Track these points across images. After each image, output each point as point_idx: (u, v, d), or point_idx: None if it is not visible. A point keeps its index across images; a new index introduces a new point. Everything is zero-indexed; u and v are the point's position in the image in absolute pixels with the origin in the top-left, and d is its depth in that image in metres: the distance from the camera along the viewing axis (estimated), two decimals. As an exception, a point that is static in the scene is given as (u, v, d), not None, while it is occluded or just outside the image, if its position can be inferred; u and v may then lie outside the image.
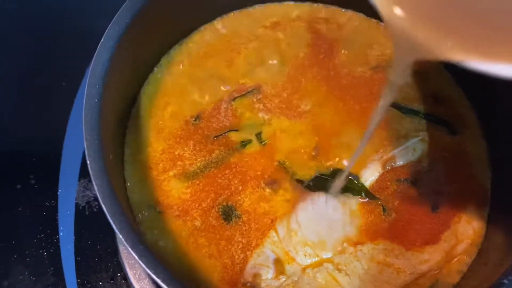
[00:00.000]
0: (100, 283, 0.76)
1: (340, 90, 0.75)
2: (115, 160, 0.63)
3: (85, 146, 0.52)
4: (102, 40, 0.61)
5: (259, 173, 0.68)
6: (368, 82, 0.76)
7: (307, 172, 0.68)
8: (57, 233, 0.79)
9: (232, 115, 0.72)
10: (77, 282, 0.76)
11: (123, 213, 0.51)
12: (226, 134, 0.71)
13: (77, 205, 0.81)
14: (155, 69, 0.76)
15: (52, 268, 0.76)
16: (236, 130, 0.71)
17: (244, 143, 0.70)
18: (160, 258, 0.60)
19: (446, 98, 0.76)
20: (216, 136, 0.71)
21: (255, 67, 0.77)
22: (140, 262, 0.48)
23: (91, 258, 0.77)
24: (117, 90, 0.64)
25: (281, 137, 0.71)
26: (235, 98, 0.74)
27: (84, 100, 0.55)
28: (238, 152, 0.69)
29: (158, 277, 0.48)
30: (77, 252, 0.77)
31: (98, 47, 0.60)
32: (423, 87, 0.76)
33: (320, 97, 0.74)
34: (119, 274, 0.76)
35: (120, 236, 0.49)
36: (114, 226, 0.50)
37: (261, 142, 0.70)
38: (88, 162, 0.52)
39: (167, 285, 0.48)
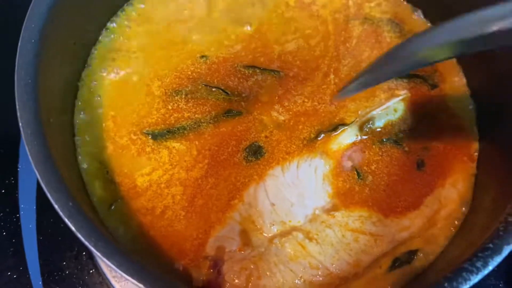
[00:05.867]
0: (64, 262, 0.71)
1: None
2: (60, 125, 0.56)
3: (17, 107, 0.47)
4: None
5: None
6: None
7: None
8: (18, 212, 0.73)
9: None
10: (40, 263, 0.71)
11: (60, 180, 0.45)
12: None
13: (38, 182, 0.75)
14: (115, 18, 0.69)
15: (11, 249, 0.71)
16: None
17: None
18: (114, 232, 0.55)
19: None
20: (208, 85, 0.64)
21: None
22: (79, 234, 0.43)
23: (54, 236, 0.72)
24: (62, 45, 0.57)
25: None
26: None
27: (17, 57, 0.49)
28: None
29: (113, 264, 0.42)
30: (39, 231, 0.72)
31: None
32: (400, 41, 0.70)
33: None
34: (84, 253, 0.71)
35: (61, 214, 0.44)
36: (49, 196, 0.44)
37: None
38: (20, 124, 0.46)
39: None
